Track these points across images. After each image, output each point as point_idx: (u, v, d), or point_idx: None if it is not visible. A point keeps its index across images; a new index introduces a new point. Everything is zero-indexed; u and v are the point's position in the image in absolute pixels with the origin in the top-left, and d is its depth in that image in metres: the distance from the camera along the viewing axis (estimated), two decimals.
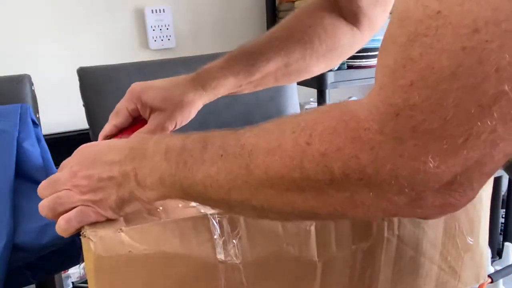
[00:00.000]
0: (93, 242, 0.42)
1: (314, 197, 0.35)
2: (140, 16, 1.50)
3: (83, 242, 0.43)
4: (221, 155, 0.39)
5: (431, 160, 0.30)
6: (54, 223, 0.64)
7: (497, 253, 1.77)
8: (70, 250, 0.73)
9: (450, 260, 0.62)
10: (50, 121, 1.26)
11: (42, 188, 0.49)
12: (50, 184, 0.48)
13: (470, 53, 0.28)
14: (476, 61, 0.28)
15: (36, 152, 0.77)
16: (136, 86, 0.65)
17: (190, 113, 0.67)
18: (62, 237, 0.68)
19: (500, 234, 1.87)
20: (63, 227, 0.46)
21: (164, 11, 1.52)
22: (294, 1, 1.46)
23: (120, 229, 0.43)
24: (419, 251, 0.59)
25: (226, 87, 0.68)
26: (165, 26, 1.53)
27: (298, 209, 0.37)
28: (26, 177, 0.74)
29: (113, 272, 0.43)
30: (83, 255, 0.45)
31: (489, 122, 0.29)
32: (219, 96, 0.69)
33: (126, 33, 1.50)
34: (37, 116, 0.92)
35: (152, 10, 1.50)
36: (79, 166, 0.47)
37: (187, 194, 0.42)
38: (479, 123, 0.29)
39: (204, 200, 0.42)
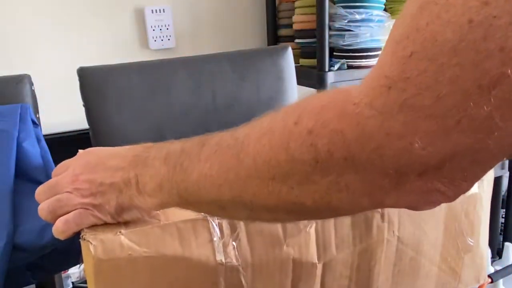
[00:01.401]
0: (92, 245, 0.42)
1: (299, 185, 0.34)
2: (140, 16, 1.50)
3: (82, 245, 0.43)
4: (216, 151, 0.39)
5: (418, 140, 0.29)
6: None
7: (497, 253, 1.77)
8: (70, 250, 0.73)
9: (450, 261, 0.62)
10: (50, 121, 1.26)
11: (41, 192, 0.49)
12: (50, 187, 0.48)
13: (476, 27, 0.26)
14: (481, 37, 0.26)
15: (36, 152, 0.77)
16: None
17: None
18: None
19: (500, 234, 1.87)
20: (61, 228, 0.46)
21: (164, 11, 1.52)
22: (294, 1, 1.46)
23: (120, 231, 0.43)
24: (419, 252, 0.59)
25: None
26: (165, 26, 1.52)
27: (284, 201, 0.36)
28: (26, 177, 0.73)
29: (113, 275, 0.43)
30: (83, 259, 0.45)
31: (485, 107, 0.27)
32: None
33: (126, 33, 1.50)
34: (37, 116, 0.92)
35: (152, 10, 1.50)
36: (81, 169, 0.47)
37: (183, 199, 0.42)
38: (474, 106, 0.27)
39: (197, 203, 0.42)
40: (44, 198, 0.48)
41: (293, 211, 0.37)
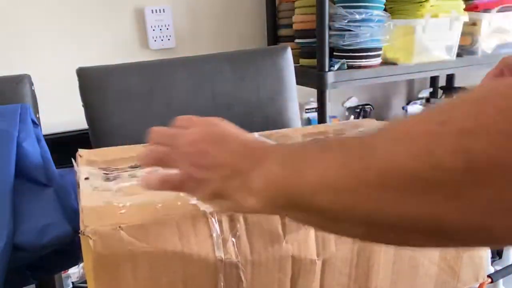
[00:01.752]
0: (92, 240, 0.42)
1: (445, 200, 0.27)
2: (140, 16, 1.50)
3: (82, 240, 0.43)
4: (338, 153, 0.35)
5: None
6: (54, 223, 0.64)
7: (497, 253, 1.77)
8: (70, 250, 0.73)
9: (449, 260, 0.62)
10: (50, 121, 1.26)
11: (158, 134, 0.47)
12: (168, 136, 0.46)
13: None
14: None
15: (36, 152, 0.77)
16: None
17: None
18: (62, 237, 0.68)
19: None
20: (153, 184, 0.45)
21: (164, 11, 1.52)
22: (294, 1, 1.46)
23: (119, 226, 0.43)
24: (419, 250, 0.59)
25: None
26: (165, 26, 1.53)
27: (420, 220, 0.29)
28: (26, 177, 0.74)
29: (112, 269, 0.43)
30: (83, 255, 0.45)
31: None
32: None
33: (126, 33, 1.50)
34: (37, 116, 0.92)
35: (152, 10, 1.50)
36: (203, 136, 0.45)
37: (291, 203, 0.38)
38: None
39: (306, 211, 0.37)
40: (157, 140, 0.47)
41: (431, 233, 0.30)
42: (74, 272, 1.39)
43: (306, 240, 0.50)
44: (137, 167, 0.62)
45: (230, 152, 0.43)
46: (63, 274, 1.34)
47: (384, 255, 0.56)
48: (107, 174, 0.59)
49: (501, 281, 1.35)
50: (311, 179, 0.35)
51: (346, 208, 0.33)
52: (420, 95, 1.91)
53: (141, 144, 0.75)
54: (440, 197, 0.28)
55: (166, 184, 0.45)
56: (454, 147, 0.26)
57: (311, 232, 0.51)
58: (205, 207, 0.47)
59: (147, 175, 0.47)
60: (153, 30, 1.51)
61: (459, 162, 0.26)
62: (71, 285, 1.38)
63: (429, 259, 0.61)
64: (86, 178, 0.57)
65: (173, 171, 0.45)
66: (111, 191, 0.53)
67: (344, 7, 1.28)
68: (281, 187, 0.38)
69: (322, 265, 0.52)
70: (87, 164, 0.64)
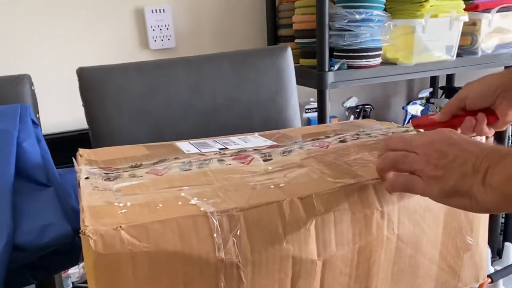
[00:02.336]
0: (92, 240, 0.42)
1: None
2: (140, 16, 1.50)
3: (82, 240, 0.43)
4: None
5: None
6: (54, 223, 0.64)
7: (497, 253, 1.77)
8: (70, 250, 0.73)
9: (449, 259, 0.62)
10: (50, 121, 1.26)
11: (395, 141, 0.53)
12: (404, 141, 0.52)
13: None
14: None
15: (36, 152, 0.77)
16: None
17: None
18: (62, 237, 0.68)
19: (500, 234, 1.87)
20: (389, 184, 0.52)
21: (164, 11, 1.52)
22: (294, 1, 1.46)
23: (120, 226, 0.43)
24: (419, 250, 0.59)
25: None
26: (165, 26, 1.53)
27: None
28: (26, 177, 0.73)
29: (113, 269, 0.43)
30: (83, 255, 0.45)
31: None
32: None
33: (126, 33, 1.50)
34: (37, 116, 0.92)
35: (152, 10, 1.50)
36: (439, 139, 0.49)
37: None
38: None
39: None
40: (393, 146, 0.52)
41: None
42: (74, 272, 1.39)
43: (306, 240, 0.50)
44: (137, 167, 0.62)
45: (469, 151, 0.46)
46: (63, 274, 1.34)
47: (384, 255, 0.56)
48: (108, 173, 0.59)
49: (501, 281, 1.35)
50: None
51: None
52: (420, 95, 1.92)
53: (141, 144, 0.75)
54: None
55: (399, 184, 0.51)
56: None
57: (312, 232, 0.51)
58: (206, 207, 0.47)
59: (392, 179, 0.52)
60: (153, 30, 1.51)
61: None
62: (71, 285, 1.38)
63: (430, 259, 0.61)
64: (87, 178, 0.57)
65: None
66: (111, 191, 0.53)
67: (344, 7, 1.28)
68: None
69: (323, 265, 0.52)
70: (87, 164, 0.64)
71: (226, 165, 0.61)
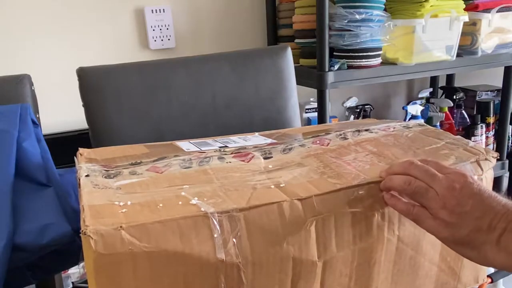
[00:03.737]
0: (93, 240, 0.42)
1: None
2: (140, 16, 1.50)
3: (83, 240, 0.43)
4: None
5: None
6: (54, 223, 0.64)
7: None
8: (70, 250, 0.73)
9: (449, 260, 0.62)
10: (50, 121, 1.26)
11: (418, 169, 0.52)
12: (427, 174, 0.51)
13: None
14: None
15: (36, 152, 0.77)
16: None
17: None
18: (62, 237, 0.68)
19: None
20: (399, 208, 0.52)
21: (164, 11, 1.52)
22: (294, 1, 1.46)
23: (120, 226, 0.43)
24: (419, 251, 0.59)
25: None
26: (165, 26, 1.53)
27: None
28: (26, 177, 0.73)
29: (113, 269, 0.43)
30: (83, 255, 0.44)
31: None
32: None
33: (126, 33, 1.50)
34: (37, 116, 0.92)
35: (152, 10, 1.50)
36: (461, 188, 0.49)
37: None
38: None
39: None
40: (414, 173, 0.52)
41: None
42: (74, 272, 1.39)
43: (307, 241, 0.50)
44: (137, 164, 0.62)
45: (489, 207, 0.47)
46: (63, 274, 1.34)
47: (385, 256, 0.56)
48: (108, 171, 0.59)
49: (501, 281, 1.35)
50: None
51: None
52: (420, 95, 1.91)
53: (142, 144, 0.75)
54: None
55: (410, 214, 0.52)
56: None
57: (312, 233, 0.51)
58: (206, 207, 0.47)
59: (393, 198, 0.53)
60: (153, 30, 1.51)
61: None
62: (71, 285, 1.38)
63: (430, 260, 0.60)
64: (87, 176, 0.57)
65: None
66: (112, 189, 0.53)
67: (344, 7, 1.28)
68: None
69: (323, 266, 0.52)
70: (87, 162, 0.63)
71: (227, 162, 0.61)
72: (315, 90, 1.36)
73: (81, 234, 0.43)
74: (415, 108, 1.77)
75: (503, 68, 1.68)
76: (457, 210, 0.47)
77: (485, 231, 0.46)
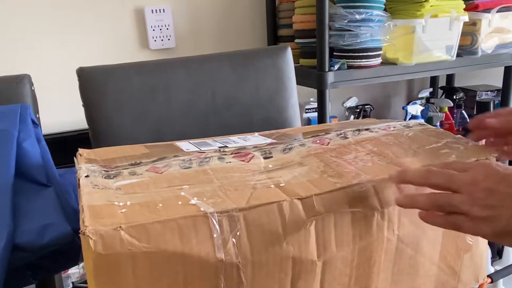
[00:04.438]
0: (92, 240, 0.42)
1: None
2: (140, 16, 1.50)
3: (82, 240, 0.43)
4: None
5: None
6: (54, 223, 0.64)
7: (497, 253, 1.77)
8: (70, 250, 0.73)
9: (449, 260, 0.62)
10: (50, 121, 1.26)
11: (437, 176, 0.49)
12: (446, 177, 0.48)
13: None
14: None
15: (36, 152, 0.77)
16: None
17: None
18: (62, 237, 0.68)
19: None
20: (430, 220, 0.49)
21: (164, 11, 1.52)
22: (294, 1, 1.46)
23: (120, 226, 0.43)
24: (419, 251, 0.59)
25: None
26: (165, 26, 1.53)
27: None
28: (26, 177, 0.73)
29: (113, 270, 0.43)
30: (83, 255, 0.45)
31: None
32: None
33: (126, 33, 1.50)
34: (37, 116, 0.92)
35: (152, 10, 1.50)
36: (486, 177, 0.46)
37: None
38: None
39: None
40: (435, 182, 0.49)
41: None
42: (74, 272, 1.39)
43: (306, 241, 0.50)
44: (137, 165, 0.62)
45: None
46: (63, 274, 1.34)
47: (385, 256, 0.56)
48: (107, 171, 0.59)
49: (501, 281, 1.35)
50: None
51: None
52: (420, 95, 1.92)
53: (141, 144, 0.75)
54: None
55: (447, 225, 0.48)
56: None
57: (312, 233, 0.51)
58: (206, 207, 0.47)
59: (429, 214, 0.50)
60: (153, 30, 1.51)
61: None
62: (71, 285, 1.38)
63: (430, 259, 0.60)
64: (86, 176, 0.57)
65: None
66: (111, 189, 0.53)
67: (344, 7, 1.28)
68: None
69: (323, 266, 0.52)
70: (87, 162, 0.63)
71: (226, 162, 0.61)
72: (315, 90, 1.36)
73: (80, 235, 0.43)
74: (415, 108, 1.77)
75: (503, 68, 1.68)
76: (489, 201, 0.44)
77: None
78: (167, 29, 1.53)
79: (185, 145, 0.72)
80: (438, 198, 0.49)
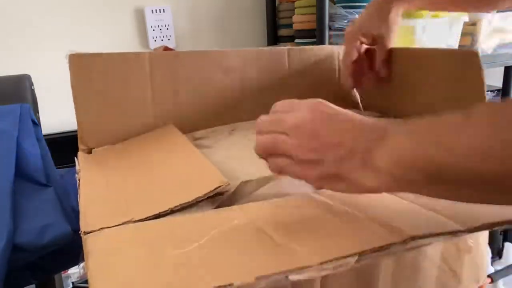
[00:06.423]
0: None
1: None
2: (140, 16, 1.50)
3: (83, 239, 0.43)
4: (489, 119, 0.33)
5: None
6: (54, 223, 0.64)
7: (497, 253, 1.77)
8: (70, 250, 0.73)
9: (450, 261, 0.62)
10: (50, 121, 1.26)
11: (262, 124, 0.46)
12: (275, 122, 0.45)
13: None
14: None
15: (36, 152, 0.77)
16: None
17: None
18: (62, 237, 0.68)
19: (500, 234, 1.87)
20: (271, 169, 0.46)
21: (164, 11, 1.52)
22: (294, 1, 1.46)
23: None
24: (419, 251, 0.59)
25: None
26: (165, 26, 1.53)
27: None
28: (26, 177, 0.73)
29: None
30: (83, 255, 0.44)
31: None
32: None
33: (126, 33, 1.50)
34: (37, 116, 0.92)
35: (152, 10, 1.50)
36: (311, 118, 0.43)
37: (431, 177, 0.36)
38: None
39: (454, 183, 0.35)
40: (261, 130, 0.46)
41: None
42: (74, 272, 1.39)
43: None
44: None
45: (344, 130, 0.41)
46: (63, 274, 1.34)
47: (385, 257, 0.56)
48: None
49: (501, 281, 1.35)
50: (459, 151, 0.34)
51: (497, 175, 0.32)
52: None
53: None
54: None
55: (278, 169, 0.45)
56: None
57: None
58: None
59: (269, 163, 0.47)
60: (153, 30, 1.51)
61: None
62: (71, 285, 1.38)
63: (430, 260, 0.60)
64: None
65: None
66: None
67: (344, 7, 1.28)
68: (417, 160, 0.36)
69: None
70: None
71: None
72: None
73: (81, 234, 0.44)
74: None
75: (503, 68, 1.68)
76: (312, 144, 0.41)
77: (347, 158, 0.40)
78: (167, 29, 1.53)
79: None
80: (264, 141, 0.45)
